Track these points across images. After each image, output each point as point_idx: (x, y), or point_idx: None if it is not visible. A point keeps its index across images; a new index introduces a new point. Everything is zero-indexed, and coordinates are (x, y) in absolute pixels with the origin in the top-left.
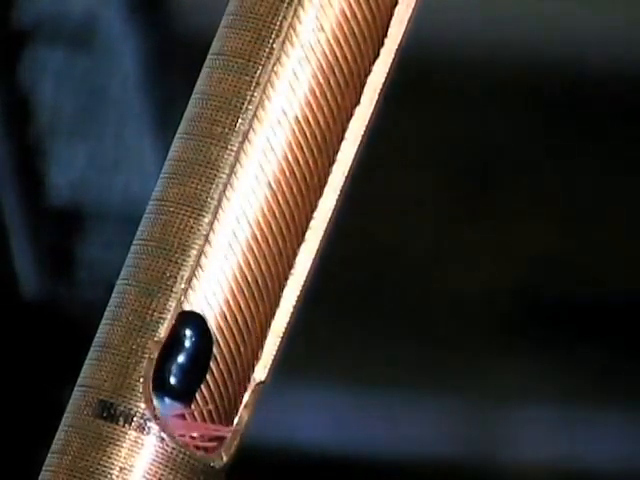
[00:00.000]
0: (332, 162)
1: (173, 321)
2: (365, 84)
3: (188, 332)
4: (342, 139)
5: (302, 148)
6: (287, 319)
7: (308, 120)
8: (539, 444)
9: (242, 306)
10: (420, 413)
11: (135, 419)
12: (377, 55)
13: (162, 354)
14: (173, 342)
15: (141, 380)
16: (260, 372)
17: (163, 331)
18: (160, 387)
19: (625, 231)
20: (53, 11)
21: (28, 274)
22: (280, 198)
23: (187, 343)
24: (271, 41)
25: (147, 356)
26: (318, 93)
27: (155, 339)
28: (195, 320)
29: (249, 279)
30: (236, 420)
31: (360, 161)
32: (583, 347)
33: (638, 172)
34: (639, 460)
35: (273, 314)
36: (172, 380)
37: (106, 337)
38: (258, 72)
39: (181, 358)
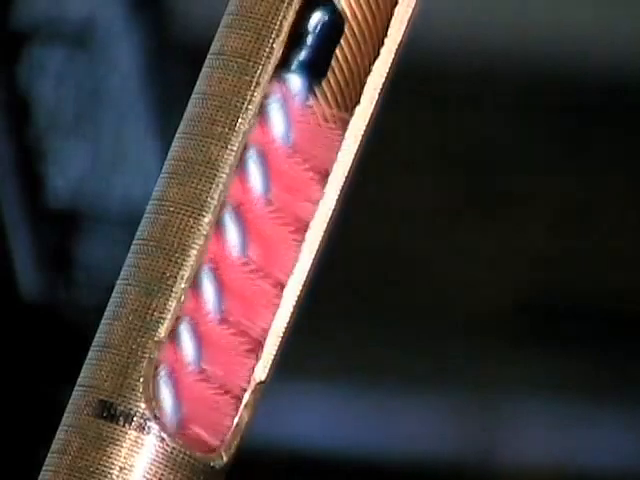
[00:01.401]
0: (332, 162)
1: (173, 321)
2: (365, 84)
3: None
4: (342, 139)
5: None
6: (287, 319)
7: None
8: (539, 444)
9: None
10: (420, 413)
11: (135, 419)
12: (377, 55)
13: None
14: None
15: (141, 380)
16: (260, 372)
17: (163, 331)
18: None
19: (625, 231)
20: (53, 11)
21: (28, 275)
22: None
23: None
24: (271, 41)
25: (147, 356)
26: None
27: (155, 339)
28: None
29: None
30: (236, 420)
31: (360, 161)
32: (583, 347)
33: (638, 172)
34: (639, 460)
35: None
36: (303, 56)
37: (106, 337)
38: (258, 72)
39: (309, 37)
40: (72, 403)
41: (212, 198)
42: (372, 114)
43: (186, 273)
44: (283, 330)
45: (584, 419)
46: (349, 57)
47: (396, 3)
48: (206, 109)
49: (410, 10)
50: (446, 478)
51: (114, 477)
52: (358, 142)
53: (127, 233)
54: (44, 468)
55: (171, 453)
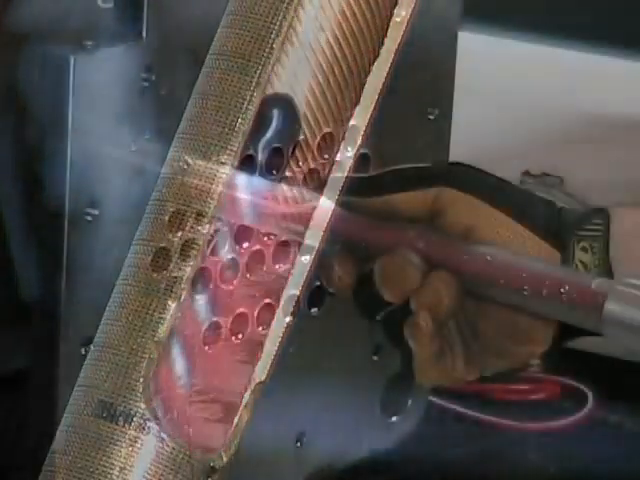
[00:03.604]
0: (333, 162)
1: (173, 321)
2: (365, 84)
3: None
4: (342, 139)
5: None
6: (287, 320)
7: (308, 121)
8: (539, 444)
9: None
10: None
11: (135, 419)
12: (377, 55)
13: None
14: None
15: (141, 380)
16: (260, 372)
17: (163, 331)
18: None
19: None
20: (53, 11)
21: (28, 275)
22: None
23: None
24: (271, 41)
25: (147, 356)
26: (318, 93)
27: (155, 339)
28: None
29: None
30: (236, 420)
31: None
32: (582, 347)
33: (638, 173)
34: (639, 461)
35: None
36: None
37: (106, 337)
38: (258, 72)
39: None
40: (72, 403)
41: (212, 198)
42: (372, 114)
43: (185, 274)
44: (282, 331)
45: (584, 419)
46: (349, 57)
47: (396, 3)
48: (206, 109)
49: (410, 10)
50: (446, 478)
51: (114, 477)
52: (358, 142)
53: (127, 233)
54: (44, 468)
55: (171, 453)
